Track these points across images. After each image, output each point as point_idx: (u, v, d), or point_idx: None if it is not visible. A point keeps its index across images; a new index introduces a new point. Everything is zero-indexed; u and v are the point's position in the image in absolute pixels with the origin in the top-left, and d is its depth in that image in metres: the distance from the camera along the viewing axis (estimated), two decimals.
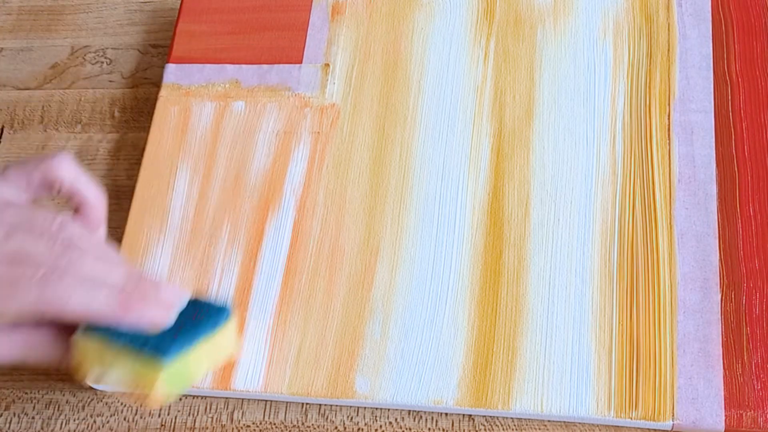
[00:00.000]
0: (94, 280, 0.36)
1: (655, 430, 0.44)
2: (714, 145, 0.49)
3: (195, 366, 0.39)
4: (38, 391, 0.49)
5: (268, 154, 0.51)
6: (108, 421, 0.47)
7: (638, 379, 0.44)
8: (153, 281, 0.38)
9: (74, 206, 0.41)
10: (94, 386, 0.47)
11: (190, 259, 0.49)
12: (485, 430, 0.45)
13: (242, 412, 0.47)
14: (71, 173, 0.40)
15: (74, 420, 0.48)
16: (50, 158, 0.39)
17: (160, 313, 0.38)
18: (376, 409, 0.46)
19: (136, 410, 0.47)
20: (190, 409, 0.47)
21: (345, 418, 0.46)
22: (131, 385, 0.38)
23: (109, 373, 0.38)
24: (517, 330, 0.45)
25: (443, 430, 0.46)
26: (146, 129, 0.53)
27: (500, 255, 0.47)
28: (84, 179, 0.40)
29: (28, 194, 0.40)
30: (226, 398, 0.47)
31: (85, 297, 0.36)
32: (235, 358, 0.45)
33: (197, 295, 0.40)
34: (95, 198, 0.41)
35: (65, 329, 0.38)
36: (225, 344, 0.41)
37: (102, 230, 0.42)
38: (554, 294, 0.46)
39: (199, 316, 0.39)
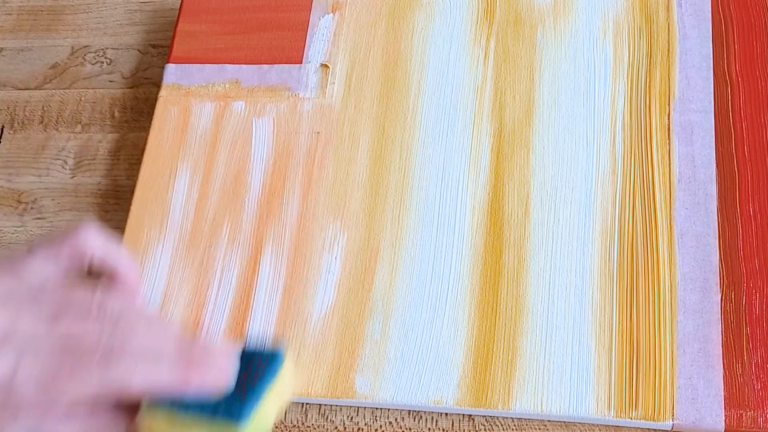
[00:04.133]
0: (151, 353, 0.34)
1: (655, 430, 0.44)
2: (714, 145, 0.49)
3: (267, 418, 0.37)
4: None
5: (269, 155, 0.51)
6: None
7: (638, 379, 0.44)
8: (203, 342, 0.36)
9: (108, 276, 0.39)
10: None
11: (190, 259, 0.49)
12: (485, 430, 0.45)
13: None
14: (100, 245, 0.38)
15: None
16: (76, 231, 0.38)
17: (221, 375, 0.36)
18: (376, 409, 0.46)
19: None
20: None
21: (345, 418, 0.46)
22: None
23: None
24: (517, 330, 0.45)
25: (443, 430, 0.46)
26: (146, 129, 0.53)
27: (500, 255, 0.47)
28: (114, 249, 0.39)
29: (58, 269, 0.38)
30: None
31: (147, 372, 0.34)
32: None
33: (244, 343, 0.38)
34: (128, 266, 0.39)
35: (119, 409, 0.36)
36: (287, 386, 0.38)
37: (140, 296, 0.40)
38: (554, 294, 0.46)
39: (256, 368, 0.37)
